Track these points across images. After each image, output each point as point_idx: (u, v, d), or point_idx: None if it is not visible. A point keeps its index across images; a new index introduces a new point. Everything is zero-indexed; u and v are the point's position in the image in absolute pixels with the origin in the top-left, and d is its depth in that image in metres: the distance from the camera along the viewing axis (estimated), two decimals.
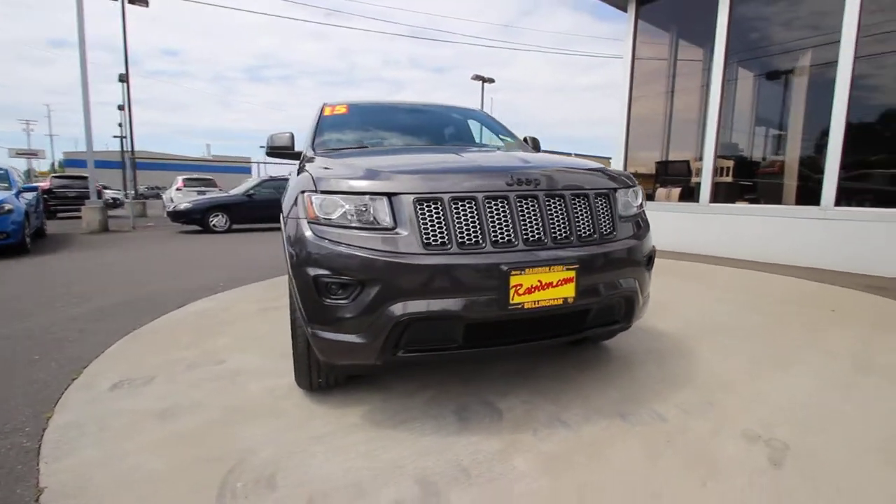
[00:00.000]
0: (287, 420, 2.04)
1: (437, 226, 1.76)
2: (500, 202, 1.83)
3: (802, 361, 2.62)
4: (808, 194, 5.46)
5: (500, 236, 1.80)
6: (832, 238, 5.01)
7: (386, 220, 1.77)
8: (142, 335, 3.23)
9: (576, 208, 1.95)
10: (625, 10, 7.21)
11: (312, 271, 1.78)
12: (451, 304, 1.71)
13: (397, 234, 1.74)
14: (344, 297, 1.76)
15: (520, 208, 1.84)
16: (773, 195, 6.21)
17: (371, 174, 1.89)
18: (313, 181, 1.89)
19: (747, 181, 6.48)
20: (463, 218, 1.78)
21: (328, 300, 1.78)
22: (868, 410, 2.07)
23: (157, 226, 13.05)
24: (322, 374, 2.13)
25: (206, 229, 10.76)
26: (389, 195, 1.79)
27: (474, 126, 3.58)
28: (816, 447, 1.78)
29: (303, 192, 1.91)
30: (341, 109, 3.36)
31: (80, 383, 2.45)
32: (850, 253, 4.86)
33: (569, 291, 1.81)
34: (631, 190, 2.24)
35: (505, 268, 1.71)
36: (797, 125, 6.11)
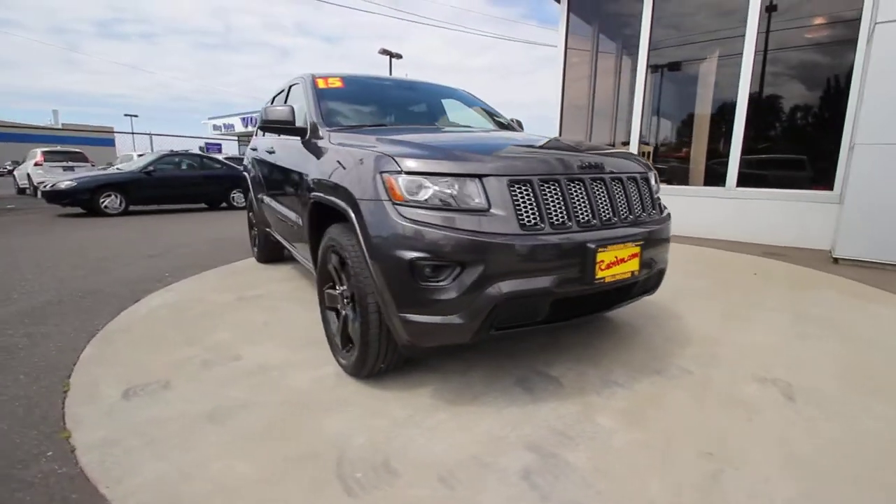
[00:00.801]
0: (359, 408, 1.98)
1: (530, 207, 1.83)
2: (578, 184, 1.95)
3: (757, 318, 3.17)
4: (715, 177, 6.41)
5: (581, 216, 1.93)
6: (736, 214, 5.98)
7: (479, 201, 1.79)
8: (113, 335, 2.80)
9: (631, 190, 2.15)
10: (559, 0, 7.60)
11: (408, 255, 1.74)
12: (546, 281, 1.81)
13: (494, 215, 1.78)
14: (442, 279, 1.75)
15: (593, 190, 1.98)
16: (683, 177, 7.16)
17: (455, 155, 1.88)
18: (394, 161, 1.83)
19: (663, 165, 7.37)
20: (550, 199, 1.87)
21: (425, 283, 1.76)
22: (828, 352, 2.60)
23: (22, 208, 10.89)
24: (386, 360, 2.09)
25: (96, 212, 9.21)
26: (480, 176, 1.81)
27: (466, 105, 3.61)
28: (812, 383, 2.22)
29: (381, 172, 1.84)
30: (336, 83, 3.17)
31: (78, 396, 2.10)
32: (751, 226, 5.87)
33: (635, 265, 2.01)
34: (652, 173, 2.51)
35: (592, 245, 1.85)
36: (704, 116, 7.07)
